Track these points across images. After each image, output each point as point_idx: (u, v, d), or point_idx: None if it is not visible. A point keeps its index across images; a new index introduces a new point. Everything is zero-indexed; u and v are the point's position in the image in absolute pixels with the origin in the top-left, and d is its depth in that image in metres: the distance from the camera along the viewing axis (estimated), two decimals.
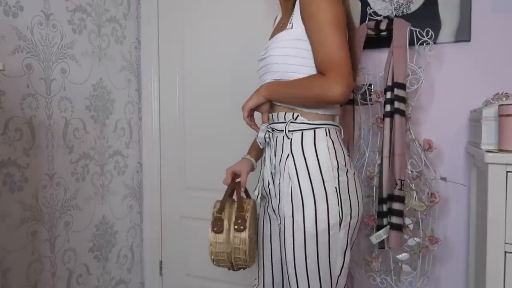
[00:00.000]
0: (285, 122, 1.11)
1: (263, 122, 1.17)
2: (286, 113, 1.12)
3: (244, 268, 1.19)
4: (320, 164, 1.06)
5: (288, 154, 1.09)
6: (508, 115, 1.06)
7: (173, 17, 2.02)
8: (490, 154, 1.02)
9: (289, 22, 1.10)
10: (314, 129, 1.09)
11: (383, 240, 1.44)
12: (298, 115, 1.10)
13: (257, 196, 1.21)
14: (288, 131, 1.09)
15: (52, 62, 1.57)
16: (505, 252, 1.01)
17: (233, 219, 1.16)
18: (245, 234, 1.13)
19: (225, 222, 1.16)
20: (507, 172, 1.00)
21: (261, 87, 1.13)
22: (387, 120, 1.44)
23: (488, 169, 1.02)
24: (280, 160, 1.11)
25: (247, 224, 1.14)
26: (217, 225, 1.15)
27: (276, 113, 1.15)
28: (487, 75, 1.49)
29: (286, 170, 1.09)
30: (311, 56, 1.07)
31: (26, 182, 1.47)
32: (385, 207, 1.44)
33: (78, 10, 1.68)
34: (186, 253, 2.05)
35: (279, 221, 1.13)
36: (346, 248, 1.07)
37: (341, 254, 1.07)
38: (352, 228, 1.08)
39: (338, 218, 1.04)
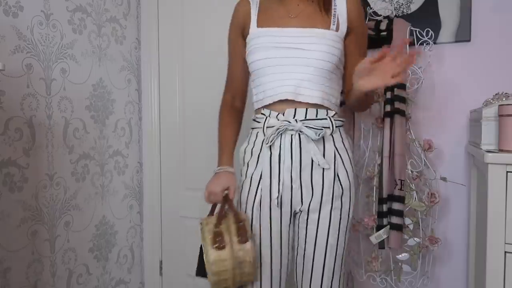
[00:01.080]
0: (319, 119, 1.12)
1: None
2: (318, 110, 1.13)
3: (246, 283, 1.11)
4: (352, 157, 1.20)
5: (334, 151, 1.14)
6: (508, 115, 1.06)
7: (173, 17, 2.02)
8: (490, 154, 1.02)
9: (332, 23, 1.13)
10: (343, 125, 1.20)
11: (383, 240, 1.44)
12: (335, 113, 1.16)
13: (278, 196, 1.14)
14: (335, 127, 1.15)
15: (52, 62, 1.57)
16: (505, 252, 1.01)
17: (233, 231, 1.07)
18: (249, 245, 1.04)
19: (226, 237, 1.05)
20: (507, 172, 1.00)
21: None
22: (387, 120, 1.44)
23: (488, 169, 1.02)
24: (324, 155, 1.13)
25: (249, 234, 1.07)
26: (218, 241, 1.02)
27: (304, 109, 1.12)
28: (487, 75, 1.49)
29: (333, 165, 1.14)
30: (343, 63, 1.18)
31: (26, 182, 1.46)
32: (385, 207, 1.44)
33: (78, 10, 1.68)
34: (186, 253, 2.05)
35: (316, 215, 1.14)
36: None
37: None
38: None
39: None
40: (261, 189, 1.15)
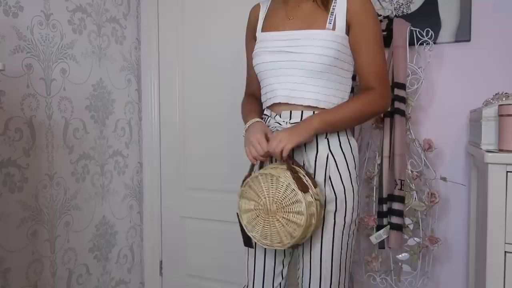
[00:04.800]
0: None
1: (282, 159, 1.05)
2: (315, 112, 1.10)
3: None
4: (356, 160, 1.16)
5: (328, 154, 1.11)
6: (508, 115, 1.06)
7: (173, 17, 2.02)
8: (490, 154, 1.02)
9: (328, 21, 1.10)
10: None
11: (383, 240, 1.44)
12: None
13: None
14: None
15: (52, 62, 1.57)
16: (505, 252, 1.01)
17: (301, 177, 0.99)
18: (317, 190, 1.01)
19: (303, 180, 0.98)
20: (507, 172, 1.00)
21: (311, 120, 1.07)
22: (387, 120, 1.44)
23: (488, 169, 1.02)
24: (316, 160, 1.11)
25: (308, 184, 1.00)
26: (300, 183, 0.95)
27: (300, 112, 1.11)
28: (487, 75, 1.49)
29: (325, 168, 1.10)
30: (349, 62, 1.14)
31: (26, 182, 1.46)
32: (385, 207, 1.44)
33: (78, 10, 1.68)
34: (186, 253, 2.05)
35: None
36: None
37: None
38: None
39: None
40: None
